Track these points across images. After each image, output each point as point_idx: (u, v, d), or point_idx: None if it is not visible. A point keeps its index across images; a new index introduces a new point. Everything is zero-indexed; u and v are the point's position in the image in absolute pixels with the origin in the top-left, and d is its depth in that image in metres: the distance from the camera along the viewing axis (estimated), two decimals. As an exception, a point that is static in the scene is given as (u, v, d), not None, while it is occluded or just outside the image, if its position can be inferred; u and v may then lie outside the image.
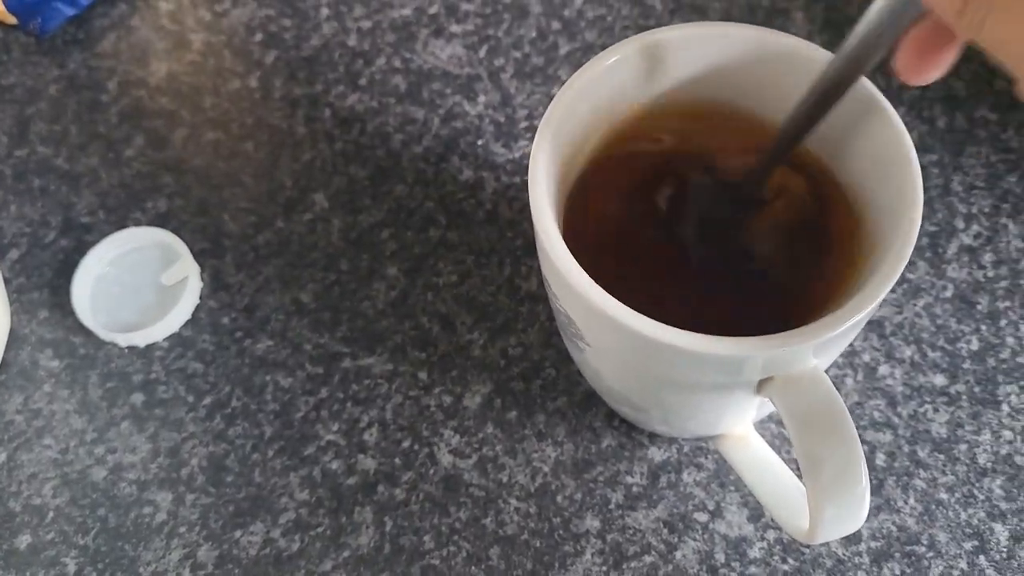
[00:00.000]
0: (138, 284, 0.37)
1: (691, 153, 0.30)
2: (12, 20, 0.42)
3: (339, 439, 0.34)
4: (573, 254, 0.25)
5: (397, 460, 0.34)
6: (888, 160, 0.26)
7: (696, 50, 0.28)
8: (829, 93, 0.24)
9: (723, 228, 0.29)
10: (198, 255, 0.37)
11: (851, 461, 0.24)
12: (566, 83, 0.27)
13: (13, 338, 0.36)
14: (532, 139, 0.39)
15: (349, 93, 0.41)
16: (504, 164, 0.39)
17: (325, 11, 0.43)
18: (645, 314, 0.24)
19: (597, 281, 0.24)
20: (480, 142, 0.39)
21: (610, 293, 0.24)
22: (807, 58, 0.27)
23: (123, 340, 0.36)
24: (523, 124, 0.40)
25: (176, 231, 0.38)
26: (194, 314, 0.36)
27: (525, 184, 0.38)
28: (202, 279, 0.37)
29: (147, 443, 0.34)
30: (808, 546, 0.31)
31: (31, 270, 0.38)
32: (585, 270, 0.24)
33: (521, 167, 0.39)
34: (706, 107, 0.29)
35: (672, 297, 0.28)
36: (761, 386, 0.25)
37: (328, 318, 0.36)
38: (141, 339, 0.36)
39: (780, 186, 0.28)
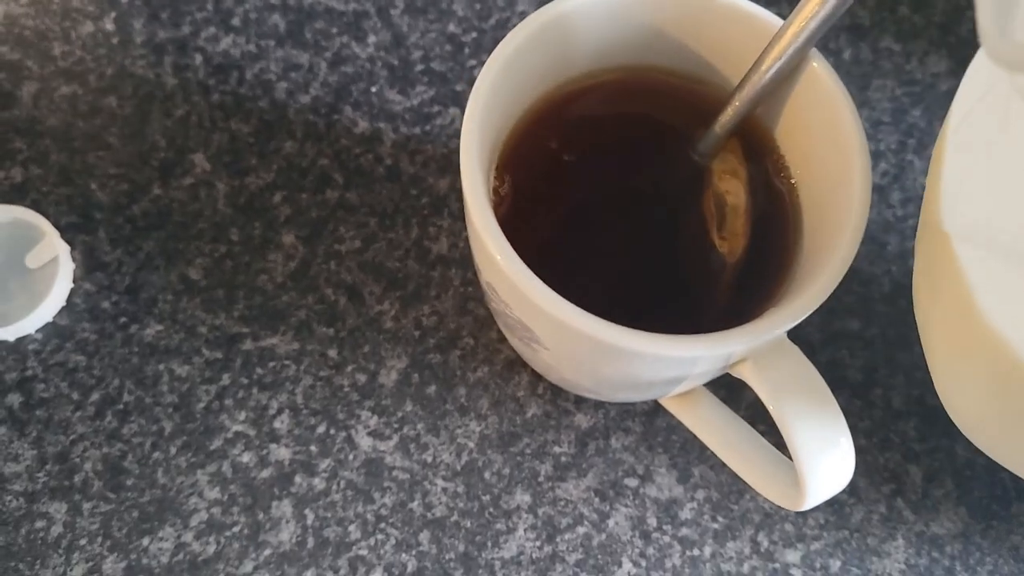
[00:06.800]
0: (-1, 269, 0.33)
1: (628, 118, 0.28)
2: None
3: (247, 429, 0.32)
4: (510, 238, 0.23)
5: (313, 447, 0.32)
6: (835, 145, 0.25)
7: (617, 14, 0.26)
8: (782, 69, 0.23)
9: (670, 200, 0.28)
10: (65, 232, 0.33)
11: (835, 423, 0.24)
12: (488, 59, 0.24)
13: None
14: (430, 83, 0.36)
15: (222, 35, 0.37)
16: (402, 113, 0.36)
17: (184, -62, 0.38)
18: (599, 305, 0.22)
19: (543, 273, 0.22)
20: (374, 89, 0.36)
21: (559, 287, 0.22)
22: (737, 13, 0.25)
23: (-11, 335, 0.32)
24: (419, 67, 0.37)
25: (36, 205, 0.34)
26: (69, 300, 0.33)
27: (426, 135, 0.36)
28: (73, 259, 0.33)
29: (31, 449, 0.31)
30: (737, 503, 0.32)
31: None
32: (530, 260, 0.22)
33: (421, 116, 0.36)
34: (634, 71, 0.28)
35: (618, 278, 0.27)
36: (733, 366, 0.25)
37: (222, 296, 0.33)
38: (11, 333, 0.32)
39: (730, 169, 0.27)
